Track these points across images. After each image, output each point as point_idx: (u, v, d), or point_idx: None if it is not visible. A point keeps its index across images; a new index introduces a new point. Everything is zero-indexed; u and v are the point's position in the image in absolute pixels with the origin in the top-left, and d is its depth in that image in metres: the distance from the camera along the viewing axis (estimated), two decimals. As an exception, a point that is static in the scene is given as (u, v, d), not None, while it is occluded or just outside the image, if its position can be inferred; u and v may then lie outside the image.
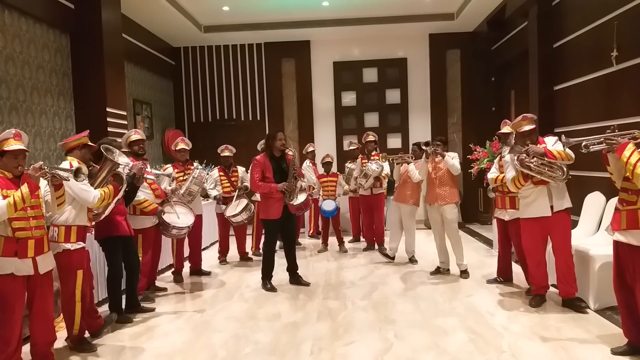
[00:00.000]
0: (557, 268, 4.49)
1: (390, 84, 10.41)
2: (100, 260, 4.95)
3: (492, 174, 5.25)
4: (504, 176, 5.03)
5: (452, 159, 5.68)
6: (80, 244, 3.87)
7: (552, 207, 4.40)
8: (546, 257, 4.63)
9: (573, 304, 4.44)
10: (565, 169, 4.26)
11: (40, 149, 5.87)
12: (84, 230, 3.91)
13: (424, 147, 5.69)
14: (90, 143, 4.06)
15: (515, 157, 4.36)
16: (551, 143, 4.37)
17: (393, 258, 6.65)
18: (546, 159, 4.24)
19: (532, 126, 4.45)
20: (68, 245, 3.79)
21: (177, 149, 6.17)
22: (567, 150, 4.19)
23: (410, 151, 6.67)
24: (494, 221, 5.96)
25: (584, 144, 3.59)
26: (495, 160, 5.37)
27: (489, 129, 8.52)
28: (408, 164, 6.39)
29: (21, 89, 5.60)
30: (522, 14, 7.62)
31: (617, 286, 3.49)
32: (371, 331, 4.14)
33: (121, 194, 4.24)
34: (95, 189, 3.87)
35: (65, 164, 3.83)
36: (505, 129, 5.20)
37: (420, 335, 4.02)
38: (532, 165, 4.26)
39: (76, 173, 3.43)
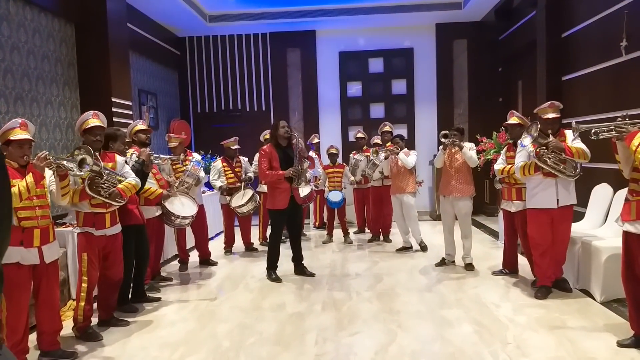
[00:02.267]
0: (553, 254, 4.62)
1: (396, 75, 10.33)
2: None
3: (498, 165, 5.22)
4: (510, 167, 5.02)
5: (470, 150, 5.62)
6: (86, 229, 3.90)
7: (558, 200, 4.45)
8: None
9: (559, 284, 4.70)
10: (579, 168, 4.36)
11: (46, 138, 5.87)
12: (93, 216, 3.91)
13: (442, 140, 5.64)
14: (89, 125, 3.89)
15: (534, 150, 4.39)
16: (571, 138, 4.39)
17: (411, 247, 6.77)
18: (564, 155, 4.30)
19: (557, 115, 4.47)
20: (76, 229, 3.94)
21: (170, 146, 6.25)
22: (584, 148, 4.26)
23: (394, 143, 6.67)
24: (500, 212, 5.93)
25: (593, 130, 3.58)
26: (502, 152, 5.33)
27: (495, 120, 8.45)
28: (396, 154, 6.40)
29: (26, 79, 5.60)
30: (530, 4, 7.52)
31: (626, 278, 3.47)
32: (376, 322, 4.14)
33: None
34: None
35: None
36: (513, 119, 5.14)
37: (424, 326, 4.02)
38: (548, 160, 4.33)
39: (80, 163, 3.42)
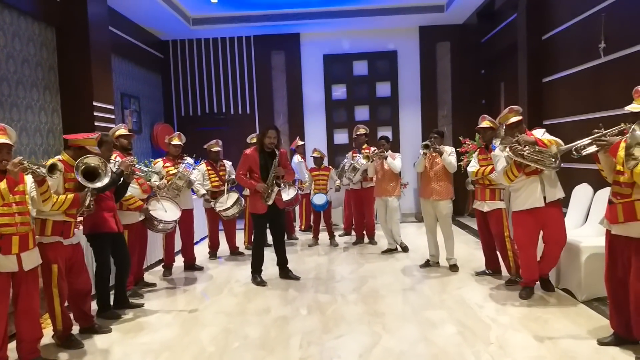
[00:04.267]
0: (547, 252, 4.53)
1: (381, 77, 10.38)
2: (88, 256, 4.92)
3: (471, 167, 5.28)
4: (484, 169, 5.08)
5: (450, 155, 5.65)
6: (56, 239, 3.79)
7: (545, 197, 4.38)
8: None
9: (542, 284, 4.73)
10: (558, 157, 4.23)
11: (27, 144, 5.79)
12: (62, 225, 3.81)
13: (423, 150, 5.67)
14: (91, 148, 3.96)
15: (508, 148, 4.34)
16: (540, 134, 4.39)
17: (396, 248, 6.84)
18: (537, 147, 4.23)
19: (519, 118, 4.51)
20: (42, 239, 3.74)
21: (171, 143, 6.16)
22: (555, 138, 4.27)
23: (379, 145, 6.70)
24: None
25: (574, 148, 3.60)
26: (474, 155, 5.40)
27: (478, 122, 8.52)
28: (385, 158, 6.46)
29: (6, 83, 5.52)
30: (511, 6, 7.62)
31: (608, 278, 3.51)
32: (360, 324, 4.14)
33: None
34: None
35: (55, 158, 3.80)
36: (484, 123, 5.22)
37: (409, 328, 4.03)
38: (524, 153, 4.24)
39: (50, 169, 3.37)
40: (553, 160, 4.24)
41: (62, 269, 3.83)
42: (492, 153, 4.75)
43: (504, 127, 4.60)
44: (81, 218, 4.58)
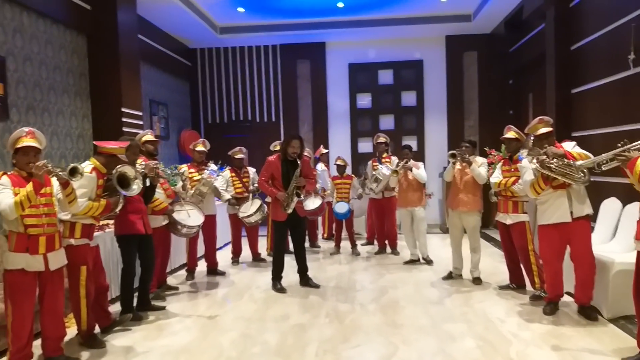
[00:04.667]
0: (577, 275, 4.33)
1: (406, 86, 10.35)
2: (113, 257, 5.04)
3: (494, 178, 5.19)
4: (507, 180, 4.99)
5: (479, 167, 5.54)
6: (84, 241, 3.93)
7: (572, 212, 4.23)
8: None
9: (586, 312, 4.36)
10: (586, 171, 4.09)
11: (57, 148, 5.97)
12: (89, 227, 3.96)
13: (450, 159, 5.61)
14: (120, 155, 4.11)
15: (535, 159, 4.22)
16: (570, 147, 4.25)
17: (419, 259, 6.74)
18: (566, 160, 4.10)
19: (549, 129, 4.37)
20: (72, 241, 3.86)
21: (195, 149, 6.26)
22: (585, 151, 4.15)
23: (403, 155, 6.63)
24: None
25: (596, 163, 3.54)
26: (498, 166, 5.31)
27: (504, 132, 8.40)
28: (411, 169, 6.39)
29: (38, 89, 5.71)
30: (539, 16, 7.51)
31: (636, 295, 3.41)
32: (378, 335, 4.11)
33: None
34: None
35: (85, 164, 3.94)
36: (510, 134, 5.12)
37: (426, 340, 3.98)
38: (552, 166, 4.10)
39: (72, 172, 3.46)
40: (582, 174, 4.08)
41: (90, 270, 3.96)
42: (520, 164, 4.63)
43: (532, 137, 4.50)
44: (106, 221, 4.73)
